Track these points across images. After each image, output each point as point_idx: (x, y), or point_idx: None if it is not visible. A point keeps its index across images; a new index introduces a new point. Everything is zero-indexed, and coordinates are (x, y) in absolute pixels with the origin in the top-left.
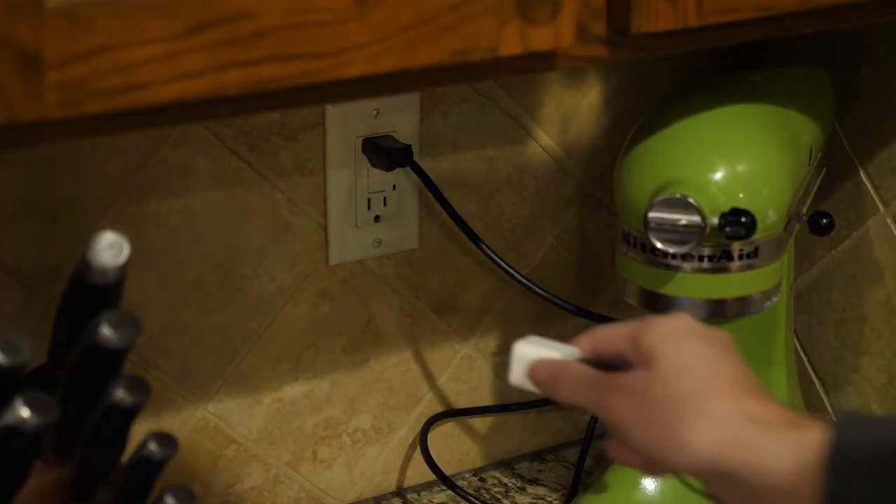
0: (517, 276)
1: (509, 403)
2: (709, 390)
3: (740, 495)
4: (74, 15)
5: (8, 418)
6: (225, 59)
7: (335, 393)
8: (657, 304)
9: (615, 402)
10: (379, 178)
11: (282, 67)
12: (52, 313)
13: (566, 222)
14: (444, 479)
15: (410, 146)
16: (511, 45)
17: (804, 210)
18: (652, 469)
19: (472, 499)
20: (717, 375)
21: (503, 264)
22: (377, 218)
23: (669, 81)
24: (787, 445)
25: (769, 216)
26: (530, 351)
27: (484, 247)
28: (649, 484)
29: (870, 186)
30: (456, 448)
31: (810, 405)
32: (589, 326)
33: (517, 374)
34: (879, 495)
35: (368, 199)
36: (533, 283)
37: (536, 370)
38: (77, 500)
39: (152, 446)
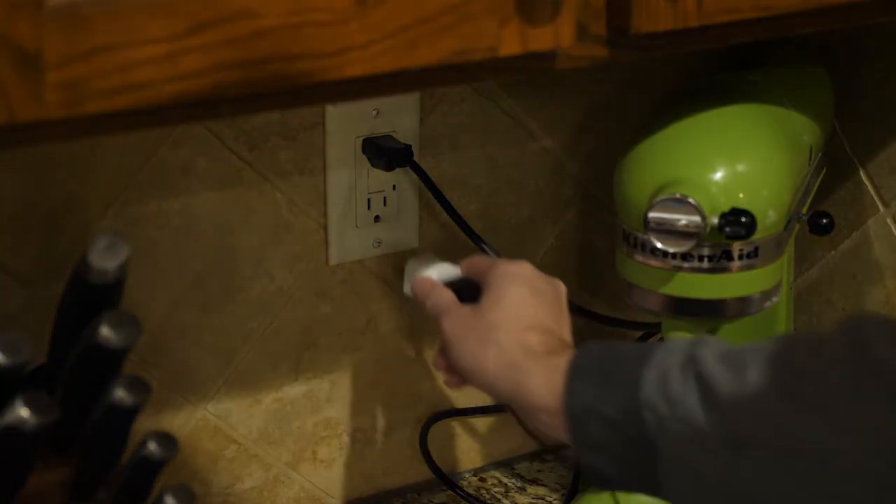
0: None
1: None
2: (506, 325)
3: (521, 411)
4: (74, 15)
5: (8, 418)
6: (225, 59)
7: (335, 393)
8: (657, 304)
9: (449, 323)
10: (379, 178)
11: (282, 67)
12: (52, 313)
13: (566, 222)
14: (445, 479)
15: (410, 146)
16: (511, 45)
17: (804, 210)
18: (462, 384)
19: (472, 499)
20: (520, 314)
21: None
22: (377, 218)
23: (669, 81)
24: (543, 368)
25: (769, 216)
26: (417, 268)
27: (484, 247)
28: None
29: (870, 186)
30: (456, 448)
31: None
32: (589, 326)
33: (406, 287)
34: (599, 400)
35: (368, 199)
36: None
37: (417, 285)
38: (77, 500)
39: (152, 446)
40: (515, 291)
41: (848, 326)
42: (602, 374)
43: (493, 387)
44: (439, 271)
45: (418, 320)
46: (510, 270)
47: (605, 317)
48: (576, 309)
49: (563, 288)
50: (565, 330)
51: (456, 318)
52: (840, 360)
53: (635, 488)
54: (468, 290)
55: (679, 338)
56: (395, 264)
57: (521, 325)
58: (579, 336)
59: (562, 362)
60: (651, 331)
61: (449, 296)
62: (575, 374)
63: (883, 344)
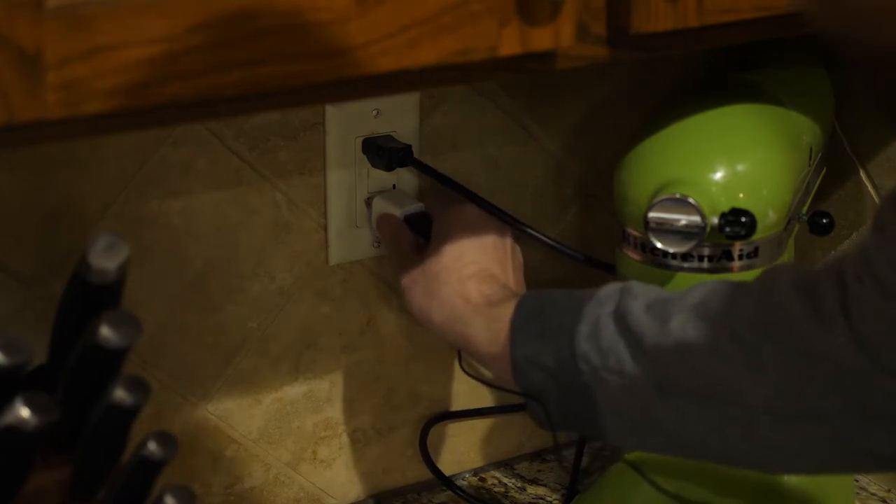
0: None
1: (509, 404)
2: (446, 276)
3: (472, 358)
4: (74, 15)
5: (8, 418)
6: (225, 59)
7: (335, 393)
8: None
9: (401, 272)
10: (379, 178)
11: (282, 67)
12: (52, 313)
13: (566, 222)
14: (443, 480)
15: (410, 146)
16: (511, 45)
17: (804, 210)
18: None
19: (472, 499)
20: (461, 262)
21: None
22: None
23: (669, 81)
24: (484, 320)
25: (769, 216)
26: (382, 205)
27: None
28: (649, 484)
29: (870, 186)
30: (456, 448)
31: None
32: None
33: (372, 224)
34: (538, 351)
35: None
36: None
37: (381, 223)
38: (77, 500)
39: (152, 446)
40: (457, 238)
41: (763, 276)
42: (540, 326)
43: (441, 336)
44: (403, 208)
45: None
46: (452, 218)
47: None
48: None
49: (507, 231)
50: (510, 274)
51: (407, 268)
52: (750, 305)
53: (577, 430)
54: (427, 227)
55: (609, 286)
56: None
57: (462, 275)
58: None
59: (503, 312)
60: None
61: (405, 240)
62: (516, 326)
63: (785, 289)
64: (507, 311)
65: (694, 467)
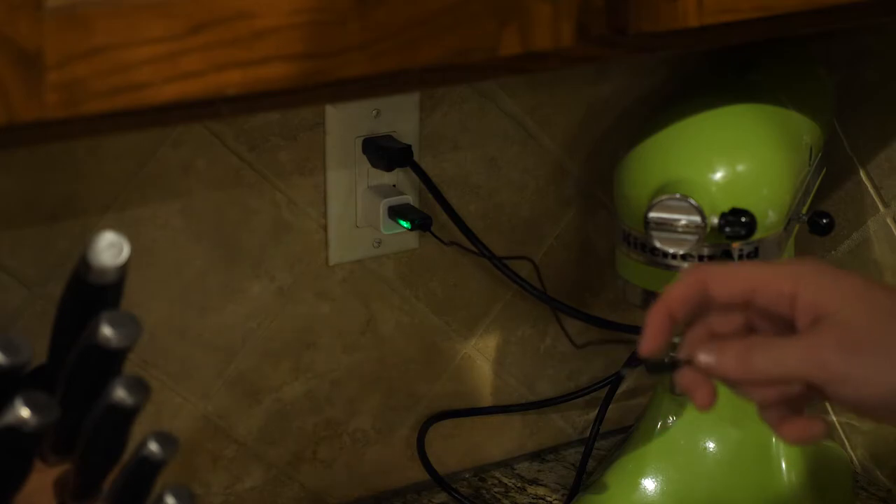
0: (517, 276)
1: (509, 404)
2: None
3: None
4: (74, 15)
5: (8, 418)
6: (225, 59)
7: (335, 393)
8: None
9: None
10: (379, 178)
11: (282, 67)
12: (52, 313)
13: (566, 222)
14: (440, 482)
15: (410, 146)
16: (511, 45)
17: (804, 210)
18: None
19: (469, 500)
20: None
21: (503, 264)
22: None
23: (669, 81)
24: None
25: (769, 216)
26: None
27: (483, 247)
28: (649, 484)
29: (870, 186)
30: (456, 448)
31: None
32: (588, 327)
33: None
34: None
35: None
36: (532, 285)
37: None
38: (77, 500)
39: (152, 446)
40: None
41: None
42: None
43: None
44: None
45: (418, 320)
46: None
47: (605, 319)
48: (576, 309)
49: None
50: None
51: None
52: None
53: None
54: None
55: None
56: (395, 264)
57: None
58: (580, 338)
59: None
60: None
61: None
62: None
63: None
64: None
65: (694, 469)
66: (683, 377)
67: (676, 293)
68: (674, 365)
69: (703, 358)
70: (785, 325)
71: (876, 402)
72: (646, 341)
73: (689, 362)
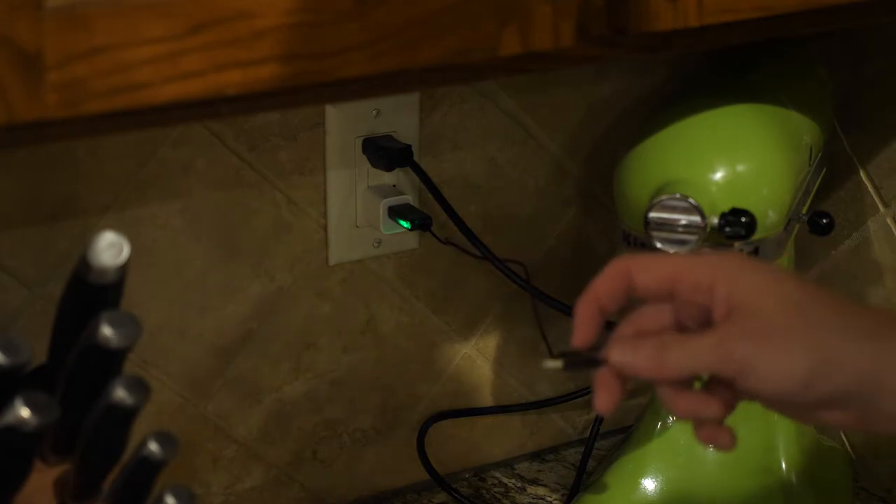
0: (517, 276)
1: (509, 404)
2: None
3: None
4: (74, 15)
5: (8, 418)
6: (224, 59)
7: (335, 393)
8: None
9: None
10: (379, 178)
11: (282, 67)
12: (52, 313)
13: (566, 222)
14: (440, 482)
15: (410, 146)
16: (511, 45)
17: (804, 210)
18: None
19: (469, 501)
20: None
21: (503, 264)
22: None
23: (669, 81)
24: None
25: (769, 216)
26: None
27: (483, 247)
28: (649, 484)
29: (870, 186)
30: (456, 448)
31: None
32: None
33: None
34: None
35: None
36: (532, 285)
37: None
38: (77, 500)
39: (152, 446)
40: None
41: None
42: None
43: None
44: None
45: (418, 320)
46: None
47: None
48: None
49: None
50: None
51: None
52: None
53: None
54: None
55: None
56: (395, 264)
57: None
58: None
59: None
60: None
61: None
62: None
63: None
64: None
65: (694, 469)
66: (599, 375)
67: (602, 284)
68: (592, 362)
69: (617, 356)
70: (709, 318)
71: (785, 394)
72: (576, 334)
73: (607, 361)
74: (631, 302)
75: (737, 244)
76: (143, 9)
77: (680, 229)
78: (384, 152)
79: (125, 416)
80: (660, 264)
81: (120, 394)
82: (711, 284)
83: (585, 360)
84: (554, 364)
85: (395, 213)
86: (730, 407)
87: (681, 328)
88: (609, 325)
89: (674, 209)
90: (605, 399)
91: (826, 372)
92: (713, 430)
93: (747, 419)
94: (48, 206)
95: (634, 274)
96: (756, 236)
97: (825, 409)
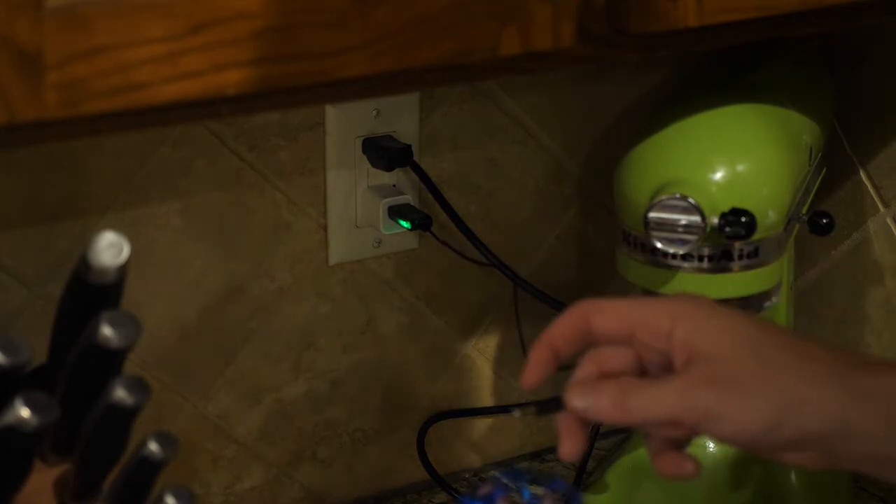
0: (517, 276)
1: (509, 404)
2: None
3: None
4: (74, 15)
5: (8, 418)
6: (224, 59)
7: (335, 393)
8: None
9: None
10: (379, 178)
11: (281, 67)
12: (52, 313)
13: (566, 222)
14: (440, 482)
15: (410, 146)
16: (511, 45)
17: (804, 210)
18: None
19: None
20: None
21: (503, 264)
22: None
23: (669, 81)
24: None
25: (769, 216)
26: None
27: (483, 247)
28: (649, 484)
29: (870, 186)
30: (455, 448)
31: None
32: None
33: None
34: None
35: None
36: (532, 284)
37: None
38: (77, 500)
39: (152, 446)
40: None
41: None
42: None
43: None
44: None
45: (418, 320)
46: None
47: None
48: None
49: None
50: None
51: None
52: None
53: None
54: None
55: None
56: (395, 264)
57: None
58: None
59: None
60: None
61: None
62: None
63: None
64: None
65: None
66: (561, 422)
67: (558, 328)
68: (561, 405)
69: (578, 402)
70: (670, 362)
71: (750, 438)
72: (526, 376)
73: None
74: (589, 345)
75: (737, 244)
76: (143, 9)
77: (680, 229)
78: (384, 152)
79: (125, 416)
80: (618, 310)
81: (120, 394)
82: (670, 331)
83: (556, 404)
84: (525, 411)
85: (395, 213)
86: (688, 442)
87: (642, 369)
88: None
89: (674, 209)
90: (568, 447)
91: (789, 418)
92: (675, 460)
93: None
94: (48, 206)
95: (592, 319)
96: (756, 236)
97: (789, 451)
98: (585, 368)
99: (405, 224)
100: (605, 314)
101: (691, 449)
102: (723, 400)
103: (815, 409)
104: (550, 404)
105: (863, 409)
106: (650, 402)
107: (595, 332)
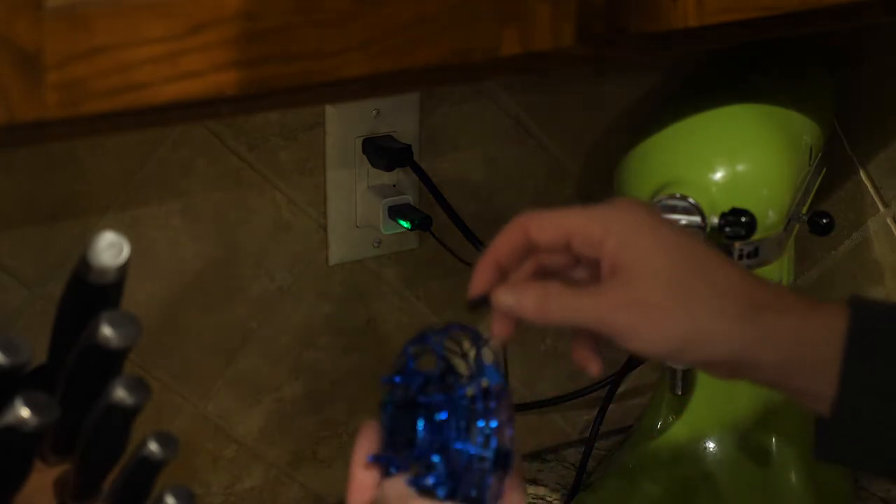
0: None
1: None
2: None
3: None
4: (74, 15)
5: (8, 418)
6: (224, 59)
7: (335, 393)
8: None
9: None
10: (379, 178)
11: (282, 67)
12: (52, 313)
13: None
14: None
15: (410, 146)
16: (511, 45)
17: (804, 210)
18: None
19: None
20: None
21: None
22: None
23: (669, 81)
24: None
25: (769, 216)
26: None
27: (484, 247)
28: (649, 484)
29: (870, 186)
30: None
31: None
32: None
33: None
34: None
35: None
36: None
37: None
38: (77, 500)
39: (152, 446)
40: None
41: None
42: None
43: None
44: None
45: (418, 320)
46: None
47: None
48: None
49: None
50: None
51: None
52: None
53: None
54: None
55: None
56: (395, 264)
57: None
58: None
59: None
60: None
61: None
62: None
63: None
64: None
65: (694, 469)
66: (494, 314)
67: (501, 241)
68: (487, 302)
69: (504, 299)
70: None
71: (659, 357)
72: (472, 287)
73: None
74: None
75: (737, 244)
76: (143, 9)
77: None
78: (384, 152)
79: (125, 416)
80: (554, 219)
81: (120, 394)
82: (601, 240)
83: (485, 300)
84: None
85: (395, 213)
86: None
87: (579, 270)
88: None
89: (674, 209)
90: (497, 328)
91: (696, 345)
92: (586, 355)
93: (747, 420)
94: (48, 206)
95: (530, 229)
96: (756, 236)
97: (698, 367)
98: (524, 268)
99: (405, 224)
100: (541, 223)
101: (691, 449)
102: (634, 323)
103: (720, 341)
104: (481, 301)
105: (764, 346)
106: (568, 311)
107: (534, 242)
